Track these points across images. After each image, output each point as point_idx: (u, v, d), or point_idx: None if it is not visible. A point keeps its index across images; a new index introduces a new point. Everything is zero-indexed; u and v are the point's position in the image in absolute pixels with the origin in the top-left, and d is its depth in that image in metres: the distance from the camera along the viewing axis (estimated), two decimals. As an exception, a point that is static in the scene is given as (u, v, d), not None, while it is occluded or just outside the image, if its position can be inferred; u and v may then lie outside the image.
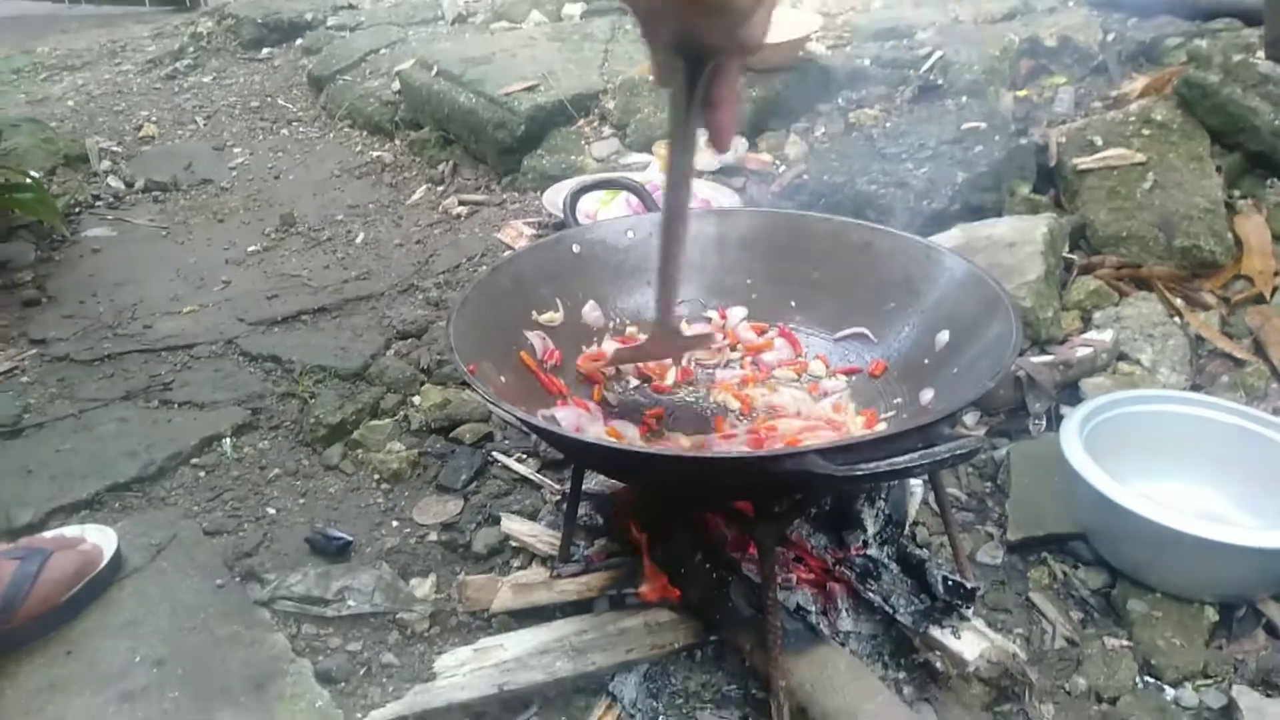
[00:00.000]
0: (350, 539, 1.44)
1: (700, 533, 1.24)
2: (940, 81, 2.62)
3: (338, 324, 2.03)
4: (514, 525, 1.43)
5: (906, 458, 0.80)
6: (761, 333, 1.37)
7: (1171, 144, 2.17)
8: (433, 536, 1.47)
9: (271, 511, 1.53)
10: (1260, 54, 2.18)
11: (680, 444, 1.18)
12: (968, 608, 1.17)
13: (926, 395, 1.17)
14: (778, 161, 2.44)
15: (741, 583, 1.17)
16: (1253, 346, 1.77)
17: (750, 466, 0.91)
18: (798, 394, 1.27)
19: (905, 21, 3.05)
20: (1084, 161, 2.17)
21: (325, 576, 1.36)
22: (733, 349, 1.37)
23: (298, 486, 1.59)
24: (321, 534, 1.43)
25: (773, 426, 1.19)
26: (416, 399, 1.76)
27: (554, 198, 2.18)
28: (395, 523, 1.50)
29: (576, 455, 1.17)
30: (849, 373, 1.30)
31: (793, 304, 1.39)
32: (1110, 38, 2.71)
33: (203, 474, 1.61)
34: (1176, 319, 1.83)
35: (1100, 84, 2.62)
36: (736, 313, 1.39)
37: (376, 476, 1.60)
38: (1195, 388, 1.68)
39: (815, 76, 2.67)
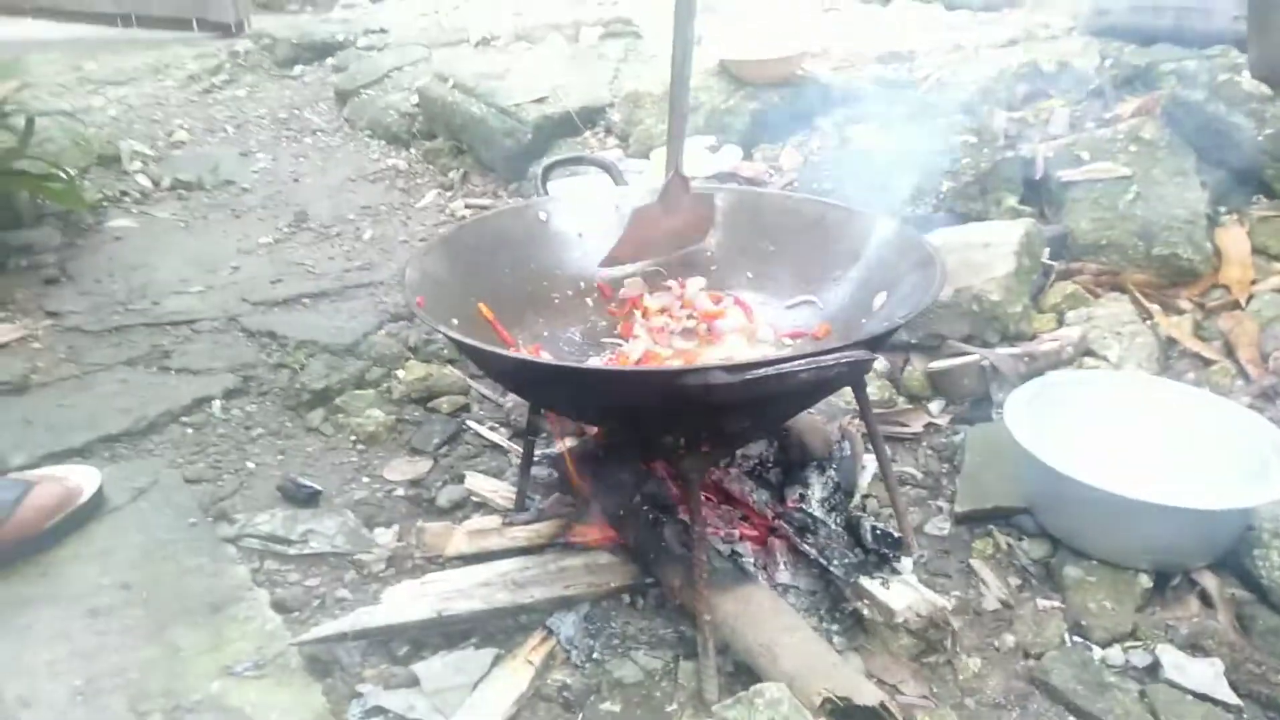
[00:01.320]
0: (320, 489, 1.51)
1: (643, 483, 1.29)
2: (936, 101, 2.68)
3: (335, 306, 2.12)
4: (477, 482, 1.49)
5: (793, 363, 0.85)
6: (717, 301, 1.43)
7: (1157, 159, 2.21)
8: (400, 492, 1.53)
9: (250, 465, 1.60)
10: (1245, 74, 2.23)
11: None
12: (897, 557, 1.21)
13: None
14: (772, 170, 2.51)
15: (675, 524, 1.22)
16: (1223, 348, 1.79)
17: (657, 379, 0.97)
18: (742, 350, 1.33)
19: (908, 47, 3.14)
20: (1070, 174, 2.22)
21: (292, 519, 1.43)
22: (689, 316, 1.42)
23: (278, 445, 1.66)
24: (293, 482, 1.50)
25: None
26: (401, 373, 1.84)
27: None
28: (366, 479, 1.57)
29: (497, 372, 1.22)
30: (794, 336, 1.35)
31: (749, 275, 1.45)
32: (1108, 63, 2.76)
33: (190, 431, 1.69)
34: (1147, 320, 1.86)
35: (1096, 107, 2.66)
36: (695, 282, 1.45)
37: (353, 438, 1.67)
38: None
39: (814, 94, 2.75)
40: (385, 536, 1.43)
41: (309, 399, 1.76)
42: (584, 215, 1.47)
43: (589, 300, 1.45)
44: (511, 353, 1.15)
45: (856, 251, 1.33)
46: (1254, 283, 1.95)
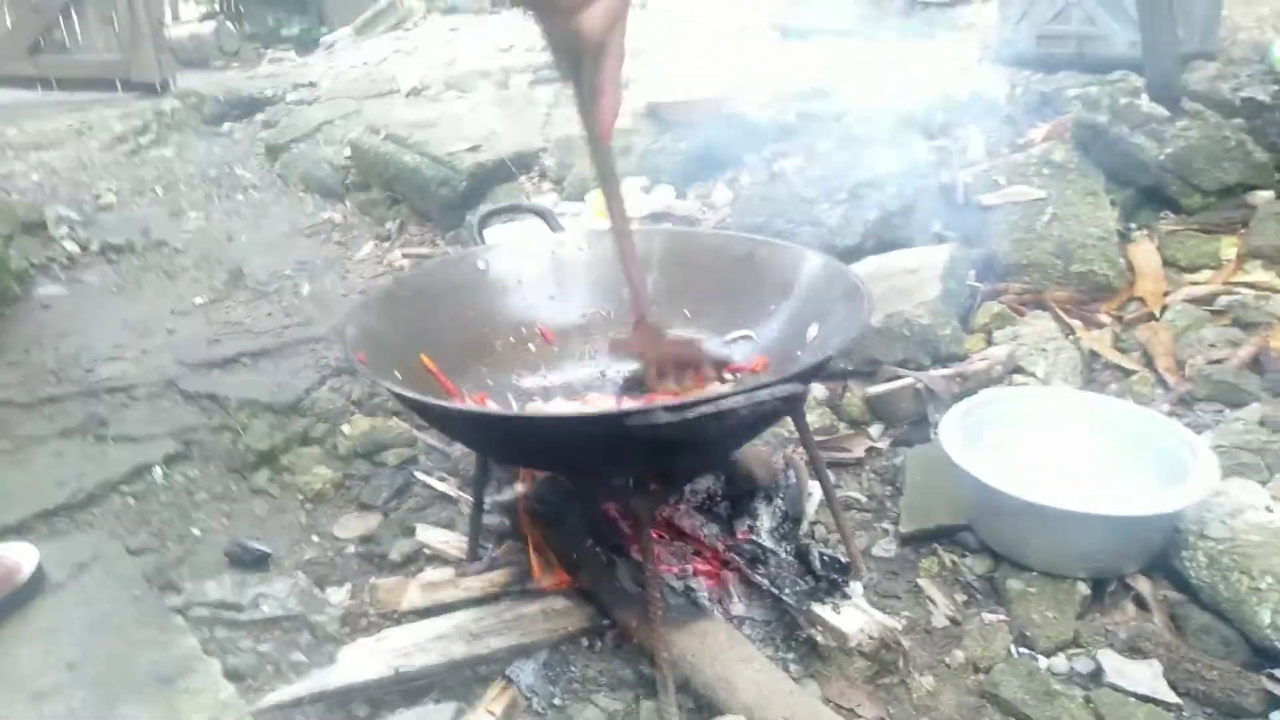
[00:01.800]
0: (269, 551, 1.49)
1: (596, 525, 1.30)
2: (859, 133, 2.77)
3: (275, 364, 2.11)
4: (428, 534, 1.49)
5: (732, 400, 0.88)
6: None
7: (1069, 181, 2.31)
8: (351, 549, 1.52)
9: (196, 531, 1.58)
10: (1144, 96, 2.35)
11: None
12: (846, 582, 1.24)
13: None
14: (705, 208, 2.57)
15: (627, 564, 1.23)
16: (1142, 358, 1.88)
17: (602, 422, 0.98)
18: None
19: (831, 82, 3.24)
20: (989, 199, 2.31)
21: (241, 584, 1.41)
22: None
23: (224, 509, 1.64)
24: (240, 546, 1.48)
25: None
26: (346, 428, 1.83)
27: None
28: (316, 538, 1.56)
29: (442, 424, 1.23)
30: (733, 370, 1.38)
31: (687, 313, 1.48)
32: (1017, 90, 2.89)
33: (132, 500, 1.66)
34: (1070, 336, 1.94)
35: (1009, 133, 2.78)
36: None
37: (301, 497, 1.66)
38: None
39: (742, 131, 2.82)
40: (338, 595, 1.41)
41: (253, 460, 1.74)
42: (522, 262, 1.49)
43: (531, 345, 1.46)
44: (455, 404, 1.16)
45: (787, 284, 1.37)
46: (1166, 294, 2.05)
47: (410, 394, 1.05)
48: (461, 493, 1.62)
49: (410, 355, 1.30)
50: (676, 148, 2.69)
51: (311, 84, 4.26)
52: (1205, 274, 2.12)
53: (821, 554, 1.24)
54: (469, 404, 1.22)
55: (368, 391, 1.93)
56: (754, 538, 1.31)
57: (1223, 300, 2.02)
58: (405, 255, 2.70)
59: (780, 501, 1.43)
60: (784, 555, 1.30)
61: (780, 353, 1.34)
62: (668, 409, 0.91)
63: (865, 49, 3.89)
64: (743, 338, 1.42)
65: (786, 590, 1.25)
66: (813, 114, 2.93)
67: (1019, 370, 1.84)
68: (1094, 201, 2.25)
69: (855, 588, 1.29)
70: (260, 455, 1.74)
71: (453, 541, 1.46)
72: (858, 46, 3.97)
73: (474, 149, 2.88)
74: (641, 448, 1.00)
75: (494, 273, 1.47)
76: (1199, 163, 2.22)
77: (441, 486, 1.64)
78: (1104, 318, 2.03)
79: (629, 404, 1.22)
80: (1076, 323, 1.99)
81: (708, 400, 0.90)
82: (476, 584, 1.34)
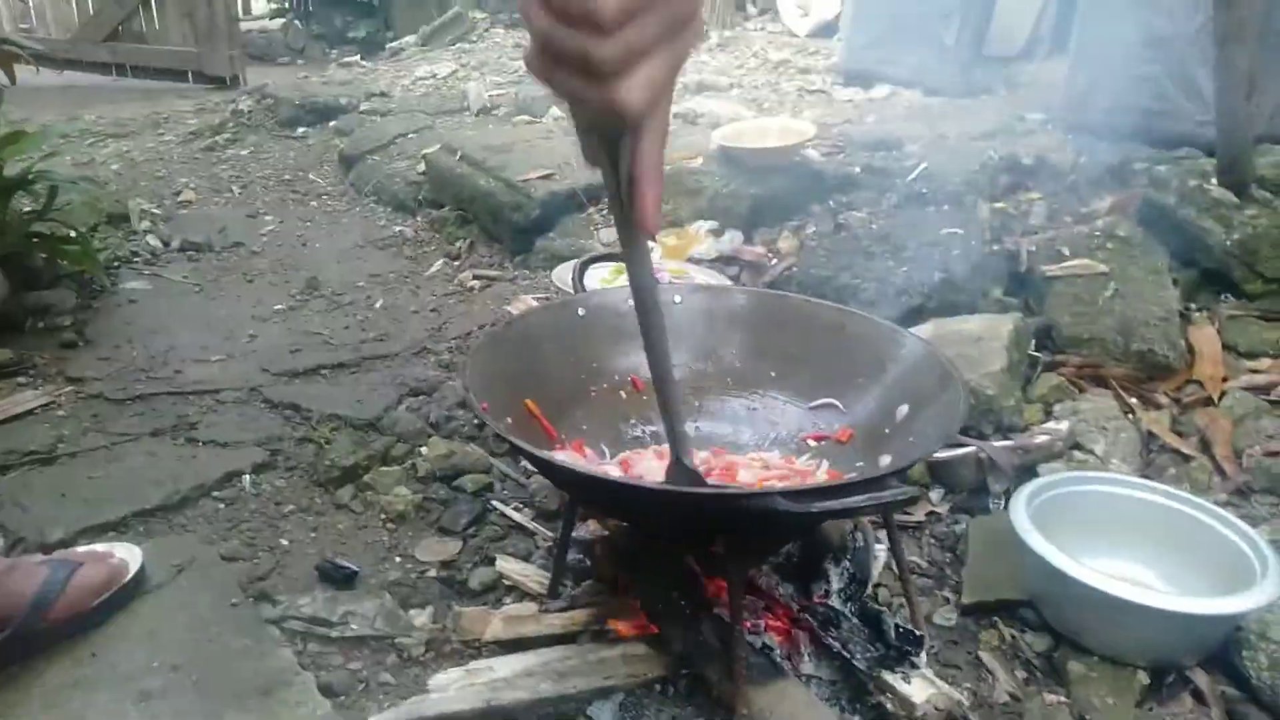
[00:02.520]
0: (357, 570, 1.55)
1: (676, 575, 1.35)
2: (924, 190, 2.82)
3: (355, 379, 2.17)
4: (508, 565, 1.54)
5: (856, 498, 0.93)
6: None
7: (1132, 258, 2.35)
8: (432, 573, 1.58)
9: (284, 542, 1.64)
10: (1214, 180, 2.38)
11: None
12: (917, 654, 1.28)
13: (884, 460, 1.30)
14: (770, 254, 2.62)
15: (712, 620, 1.28)
16: (1199, 444, 1.91)
17: (723, 503, 1.04)
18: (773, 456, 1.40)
19: (895, 134, 3.29)
20: (1052, 269, 2.34)
21: (332, 601, 1.47)
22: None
23: (309, 521, 1.70)
24: (331, 564, 1.54)
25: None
26: (424, 449, 1.88)
27: (563, 274, 2.35)
28: (398, 559, 1.61)
29: (570, 486, 1.28)
30: (818, 438, 1.43)
31: (772, 374, 1.53)
32: (1082, 159, 2.93)
33: (223, 506, 1.72)
34: (1129, 415, 1.97)
35: (1072, 200, 2.82)
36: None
37: (383, 516, 1.71)
38: (1145, 478, 1.81)
39: (809, 179, 2.87)
40: (421, 619, 1.47)
41: (337, 475, 1.80)
42: (619, 310, 1.54)
43: (623, 393, 1.52)
44: (581, 468, 1.20)
45: (879, 361, 1.42)
46: (1225, 379, 2.08)
47: (535, 451, 1.11)
48: (538, 525, 1.67)
49: (516, 400, 1.36)
50: (747, 192, 2.75)
51: (384, 94, 4.35)
52: (1265, 362, 2.15)
53: (897, 625, 1.28)
54: (594, 468, 1.27)
55: (445, 415, 1.99)
56: (828, 601, 1.36)
57: (1281, 391, 2.05)
58: (476, 276, 2.76)
59: (848, 563, 1.48)
60: (854, 620, 1.35)
61: (867, 427, 1.39)
62: (787, 495, 0.96)
63: (928, 101, 3.94)
64: (827, 405, 1.47)
65: (858, 655, 1.29)
66: (877, 167, 2.98)
67: (1078, 447, 1.88)
68: (1157, 280, 2.28)
69: (920, 656, 1.33)
70: (344, 471, 1.80)
71: (531, 575, 1.52)
72: (919, 98, 4.02)
73: (547, 177, 2.95)
74: (750, 525, 1.05)
75: (591, 320, 1.53)
76: (1265, 250, 2.26)
77: (518, 517, 1.69)
78: (1161, 398, 2.06)
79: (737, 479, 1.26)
80: (1134, 401, 2.02)
81: (832, 490, 0.95)
82: (558, 621, 1.39)
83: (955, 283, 2.33)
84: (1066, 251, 2.40)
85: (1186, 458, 1.87)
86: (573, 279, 1.59)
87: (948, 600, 1.54)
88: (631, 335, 1.54)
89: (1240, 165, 2.32)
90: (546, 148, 3.19)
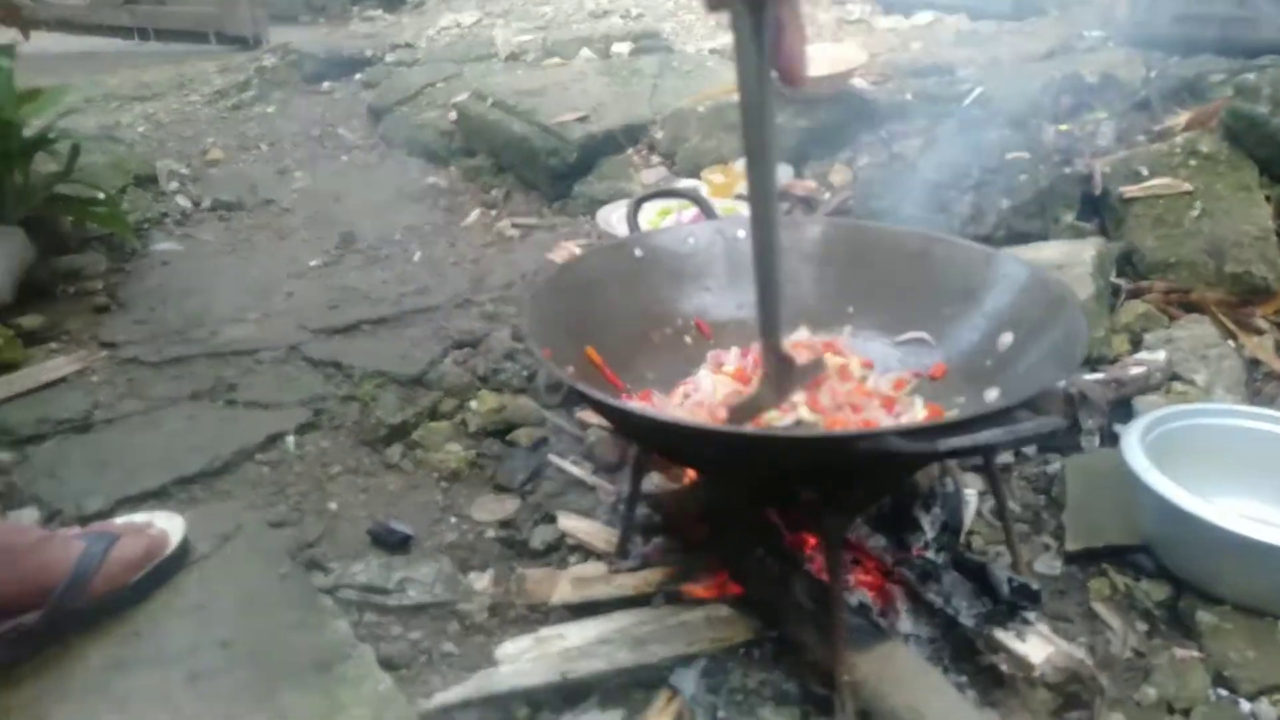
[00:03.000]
0: (411, 533, 1.43)
1: (759, 528, 1.22)
2: (982, 114, 2.62)
3: (396, 334, 2.04)
4: (571, 523, 1.42)
5: (990, 433, 0.78)
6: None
7: (1218, 174, 2.15)
8: (490, 533, 1.46)
9: (333, 506, 1.53)
10: (1308, 86, 2.16)
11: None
12: (1033, 610, 1.14)
13: (991, 394, 1.16)
14: (823, 188, 2.45)
15: (803, 578, 1.15)
16: (1308, 370, 1.73)
17: (828, 447, 0.90)
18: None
19: (945, 60, 3.07)
20: (1130, 190, 2.15)
21: (386, 567, 1.36)
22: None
23: (359, 483, 1.59)
24: (383, 527, 1.43)
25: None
26: (473, 404, 1.76)
27: (608, 216, 2.20)
28: (454, 519, 1.50)
29: (651, 436, 1.14)
30: (914, 375, 1.28)
31: (850, 310, 1.38)
32: (1153, 74, 2.70)
33: (266, 469, 1.62)
34: (1231, 342, 1.79)
35: (1143, 119, 2.60)
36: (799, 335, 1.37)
37: (435, 475, 1.60)
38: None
39: (859, 109, 2.69)
40: (482, 582, 1.36)
41: (385, 434, 1.68)
42: (678, 250, 1.40)
43: (688, 338, 1.37)
44: (666, 417, 1.06)
45: (970, 288, 1.26)
46: (1330, 301, 1.89)
47: (610, 400, 0.97)
48: (598, 480, 1.55)
49: (577, 347, 1.22)
50: (795, 125, 2.57)
51: (409, 45, 4.18)
52: (1370, 282, 1.96)
53: (1010, 578, 1.14)
54: (679, 416, 1.13)
55: (493, 368, 1.87)
56: (925, 553, 1.22)
57: (1389, 311, 1.86)
58: (514, 225, 2.62)
59: (938, 510, 1.33)
60: (954, 573, 1.21)
61: (963, 361, 1.24)
62: (906, 434, 0.81)
63: (975, 26, 3.69)
64: (915, 340, 1.32)
65: (963, 612, 1.16)
66: (930, 93, 2.77)
67: (1176, 378, 1.71)
68: (1248, 197, 2.09)
69: (1035, 612, 1.19)
70: (391, 429, 1.69)
71: (597, 533, 1.39)
72: (965, 23, 3.77)
73: (583, 119, 2.79)
74: (854, 471, 0.91)
75: (649, 262, 1.38)
76: (1366, 162, 2.05)
77: (578, 472, 1.57)
78: (1261, 323, 1.88)
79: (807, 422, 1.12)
80: (1233, 327, 1.84)
81: (959, 429, 0.80)
82: (630, 582, 1.27)
83: (1025, 209, 2.15)
84: (1145, 171, 2.20)
85: (1295, 386, 1.70)
86: (627, 219, 1.44)
87: (1048, 547, 1.40)
88: (693, 276, 1.40)
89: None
90: (580, 89, 3.02)
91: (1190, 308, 1.93)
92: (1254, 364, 1.77)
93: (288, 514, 1.50)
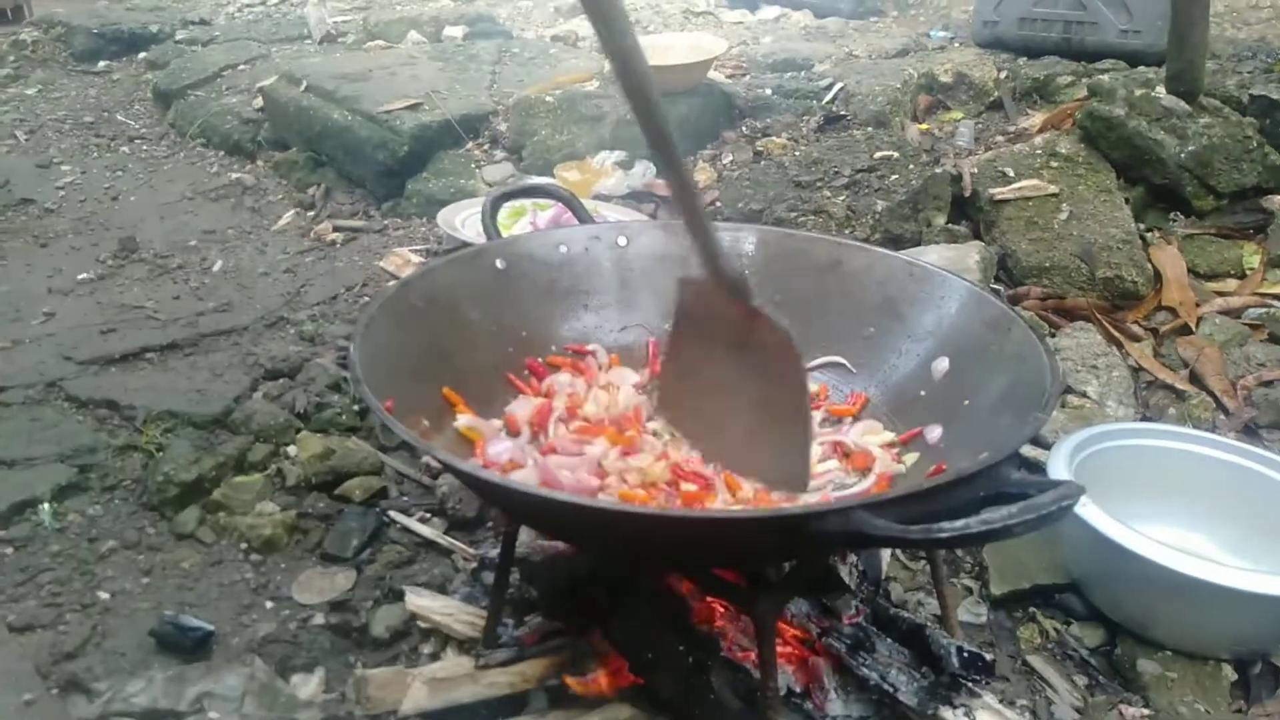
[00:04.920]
0: (211, 628, 1.14)
1: (663, 600, 1.01)
2: (844, 112, 2.54)
3: (192, 362, 1.71)
4: (422, 601, 1.16)
5: (1005, 513, 0.61)
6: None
7: (1079, 176, 2.15)
8: (319, 619, 1.19)
9: (104, 596, 1.20)
10: (1162, 89, 2.19)
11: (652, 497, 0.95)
12: (986, 682, 0.99)
13: (933, 433, 1.00)
14: (687, 188, 2.28)
15: (723, 667, 0.95)
16: (1189, 377, 1.71)
17: (774, 527, 0.70)
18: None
19: (800, 54, 2.99)
20: (1000, 192, 2.11)
21: (177, 680, 1.05)
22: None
23: (140, 562, 1.26)
24: (173, 623, 1.12)
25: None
26: (292, 449, 1.48)
27: (450, 218, 1.94)
28: (270, 603, 1.21)
29: (536, 518, 0.91)
30: (836, 413, 1.10)
31: (752, 330, 1.19)
32: (1004, 75, 2.71)
33: (10, 551, 1.26)
34: (1115, 350, 1.75)
35: (998, 119, 2.61)
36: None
37: (244, 546, 1.30)
38: (1144, 420, 1.60)
39: (719, 103, 2.55)
40: (309, 688, 1.08)
41: (176, 494, 1.35)
42: (550, 261, 1.18)
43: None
44: (590, 502, 0.82)
45: (893, 304, 1.11)
46: (1198, 304, 1.90)
47: (490, 478, 0.73)
48: (455, 540, 1.29)
49: (428, 389, 0.97)
50: (653, 118, 2.37)
51: (204, 21, 3.70)
52: (1231, 283, 1.99)
53: (960, 649, 0.99)
54: (599, 499, 0.90)
55: (315, 402, 1.57)
56: (858, 619, 1.05)
57: (1252, 312, 1.89)
58: (336, 228, 2.31)
59: (855, 558, 1.18)
60: (890, 639, 1.05)
61: (891, 389, 1.08)
62: (869, 507, 0.62)
63: (821, 22, 3.66)
64: (830, 364, 1.15)
65: (903, 689, 0.99)
66: (790, 89, 2.66)
67: (1069, 390, 1.64)
68: (1109, 200, 2.09)
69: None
70: (184, 488, 1.36)
71: (456, 613, 1.14)
72: (810, 19, 3.74)
73: (414, 108, 2.49)
74: (800, 550, 0.72)
75: (514, 275, 1.15)
76: (1219, 163, 2.09)
77: (428, 532, 1.31)
78: (1135, 328, 1.86)
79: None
80: (1118, 334, 1.81)
81: (941, 512, 0.62)
82: (503, 678, 1.03)
83: (899, 211, 2.07)
84: (1011, 172, 2.17)
85: (1179, 393, 1.67)
86: (483, 222, 1.20)
87: (969, 590, 1.27)
88: (568, 292, 1.18)
89: (1193, 72, 2.13)
90: (410, 75, 2.71)
91: (1066, 314, 1.89)
92: (1135, 371, 1.73)
93: (38, 612, 1.15)
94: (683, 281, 0.97)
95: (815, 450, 1.01)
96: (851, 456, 1.03)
